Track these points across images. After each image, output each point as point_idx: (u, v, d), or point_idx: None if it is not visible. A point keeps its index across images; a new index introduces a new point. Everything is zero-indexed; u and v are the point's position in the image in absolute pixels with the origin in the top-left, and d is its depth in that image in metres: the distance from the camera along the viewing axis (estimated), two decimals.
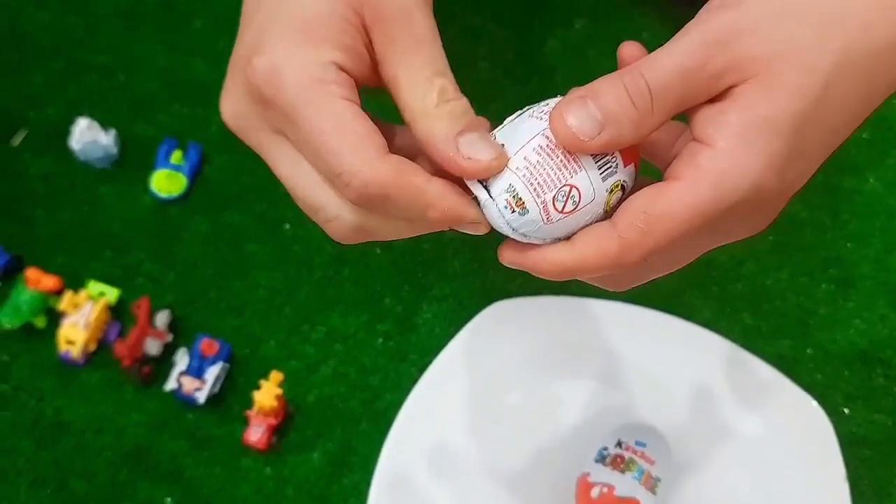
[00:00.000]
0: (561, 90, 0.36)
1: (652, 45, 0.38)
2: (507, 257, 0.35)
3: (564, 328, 0.60)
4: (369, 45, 0.35)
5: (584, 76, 0.37)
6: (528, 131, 0.34)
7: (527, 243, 0.35)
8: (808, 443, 0.57)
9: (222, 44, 0.72)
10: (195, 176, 0.66)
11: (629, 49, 0.36)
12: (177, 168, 0.66)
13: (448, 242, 0.64)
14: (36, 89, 0.70)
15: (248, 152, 0.68)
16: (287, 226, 0.66)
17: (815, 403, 0.58)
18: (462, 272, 0.64)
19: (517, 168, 0.33)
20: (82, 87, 0.70)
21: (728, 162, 0.32)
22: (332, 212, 0.36)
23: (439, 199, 0.34)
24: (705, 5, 0.34)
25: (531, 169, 0.33)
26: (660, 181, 0.34)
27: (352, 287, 0.64)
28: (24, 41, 0.72)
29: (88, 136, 0.65)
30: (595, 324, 0.60)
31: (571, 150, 0.33)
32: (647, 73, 0.32)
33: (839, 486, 0.56)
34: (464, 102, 0.35)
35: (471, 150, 0.33)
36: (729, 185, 0.32)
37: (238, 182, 0.67)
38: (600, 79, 0.33)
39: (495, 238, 0.36)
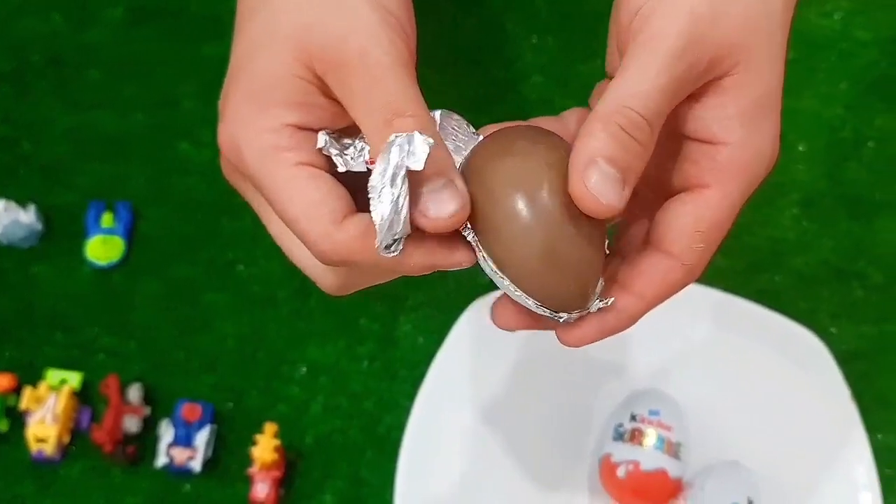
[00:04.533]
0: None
1: None
2: (575, 340, 0.34)
3: None
4: (332, 94, 0.33)
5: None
6: None
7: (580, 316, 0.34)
8: (807, 368, 0.58)
9: (126, 90, 0.68)
10: (131, 236, 0.63)
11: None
12: (110, 231, 0.62)
13: None
14: None
15: (180, 201, 0.65)
16: (241, 267, 0.62)
17: (804, 330, 0.58)
18: (432, 277, 0.61)
19: None
20: None
21: (746, 153, 0.33)
22: (318, 271, 0.35)
23: (406, 258, 0.32)
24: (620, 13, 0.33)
25: None
26: (685, 194, 0.33)
27: (322, 316, 0.61)
28: None
29: (7, 218, 0.61)
30: None
31: (610, 215, 0.31)
32: (637, 107, 0.31)
33: (846, 406, 0.56)
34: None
35: (431, 204, 0.30)
36: (754, 171, 0.33)
37: (178, 232, 0.64)
38: (590, 131, 0.31)
39: None
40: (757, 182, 0.34)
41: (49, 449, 0.56)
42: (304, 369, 0.60)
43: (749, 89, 0.32)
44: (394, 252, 0.31)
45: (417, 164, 0.29)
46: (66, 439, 0.57)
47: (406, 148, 0.29)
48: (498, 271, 0.32)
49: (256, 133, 0.32)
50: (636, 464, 0.51)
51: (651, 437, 0.52)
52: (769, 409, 0.57)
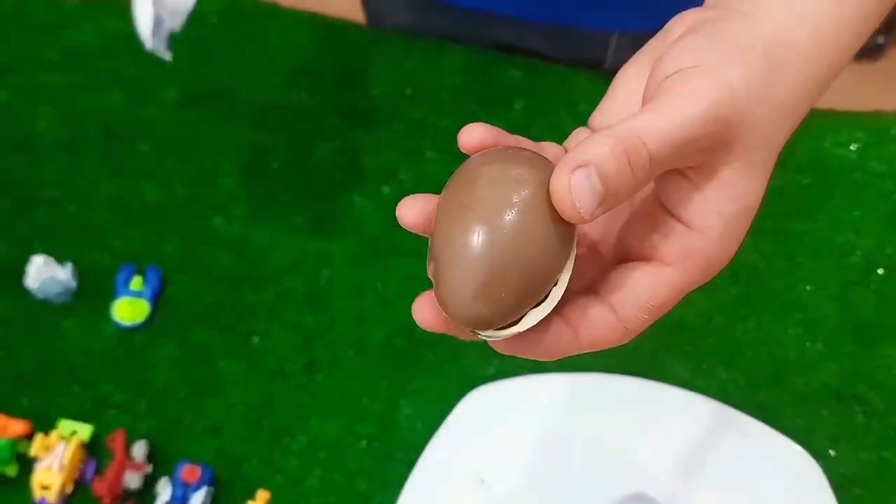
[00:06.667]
0: None
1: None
2: (504, 349, 0.34)
3: (545, 406, 0.60)
4: None
5: None
6: None
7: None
8: (800, 489, 0.58)
9: (170, 164, 0.72)
10: (157, 300, 0.66)
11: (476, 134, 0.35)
12: (138, 294, 0.65)
13: (420, 336, 0.64)
14: None
15: (208, 270, 0.68)
16: (256, 338, 0.65)
17: (801, 449, 0.58)
18: (436, 363, 0.64)
19: None
20: (31, 222, 0.70)
21: (716, 249, 0.33)
22: None
23: None
24: (680, 46, 0.33)
25: None
26: (645, 263, 0.34)
27: (327, 392, 0.63)
28: None
29: (45, 273, 0.64)
30: (575, 398, 0.60)
31: (574, 222, 0.31)
32: (649, 142, 0.31)
33: None
34: None
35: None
36: (715, 268, 0.34)
37: (200, 300, 0.67)
38: (596, 140, 0.31)
39: None
40: (710, 279, 0.34)
41: (52, 497, 0.58)
42: (305, 442, 0.61)
43: (742, 194, 0.33)
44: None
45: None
46: (69, 489, 0.59)
47: None
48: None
49: None
50: None
51: None
52: None
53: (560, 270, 0.32)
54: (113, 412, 0.62)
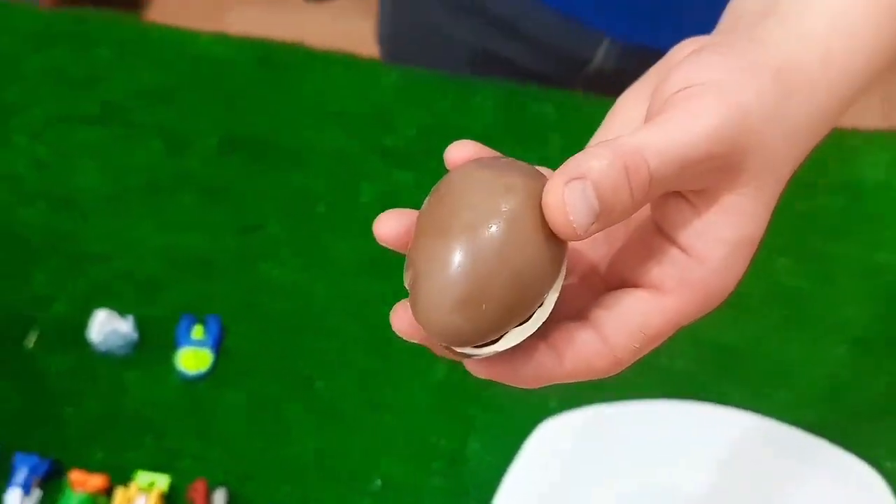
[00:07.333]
0: None
1: None
2: (482, 371, 0.32)
3: (615, 434, 0.61)
4: None
5: None
6: None
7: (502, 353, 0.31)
8: (863, 502, 0.59)
9: (214, 215, 0.73)
10: (218, 348, 0.67)
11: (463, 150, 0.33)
12: (200, 344, 0.66)
13: None
14: (39, 288, 0.70)
15: (265, 318, 0.69)
16: (319, 383, 0.66)
17: (864, 463, 0.60)
18: (500, 399, 0.65)
19: None
20: (85, 278, 0.70)
21: (716, 279, 0.32)
22: None
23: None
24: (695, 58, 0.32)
25: None
26: (639, 290, 0.33)
27: (395, 431, 0.64)
28: (17, 242, 0.72)
29: (109, 327, 0.65)
30: (643, 426, 0.61)
31: (565, 238, 0.30)
32: (651, 159, 0.29)
33: None
34: None
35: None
36: (714, 300, 0.32)
37: (259, 347, 0.67)
38: (595, 152, 0.29)
39: None
40: (708, 311, 0.32)
41: None
42: (378, 483, 0.62)
43: (748, 224, 0.32)
44: None
45: None
46: None
47: None
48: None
49: None
50: None
51: None
52: None
53: (547, 290, 0.31)
54: (187, 461, 0.63)
